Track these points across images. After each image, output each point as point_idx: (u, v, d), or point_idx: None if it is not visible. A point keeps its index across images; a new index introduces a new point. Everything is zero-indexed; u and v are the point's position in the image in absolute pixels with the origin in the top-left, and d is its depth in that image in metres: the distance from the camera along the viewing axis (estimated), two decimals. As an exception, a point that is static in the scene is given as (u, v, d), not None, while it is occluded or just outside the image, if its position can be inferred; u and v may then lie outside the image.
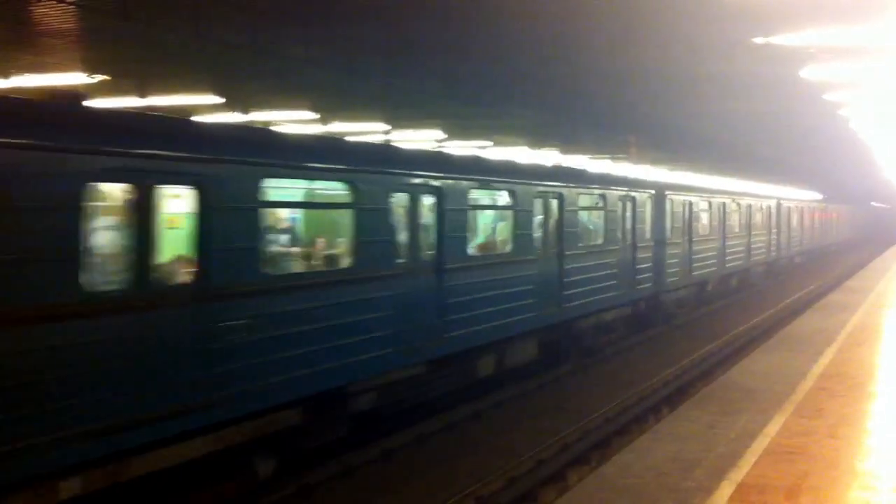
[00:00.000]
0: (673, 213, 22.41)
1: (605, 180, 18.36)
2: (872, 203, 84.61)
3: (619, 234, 18.16)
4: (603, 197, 17.31)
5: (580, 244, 16.18)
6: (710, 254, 25.90)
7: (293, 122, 20.92)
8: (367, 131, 23.35)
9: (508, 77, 16.90)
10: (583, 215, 16.79)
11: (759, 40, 11.61)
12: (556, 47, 14.24)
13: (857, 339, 15.58)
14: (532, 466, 11.00)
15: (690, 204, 24.01)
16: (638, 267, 19.22)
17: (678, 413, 11.04)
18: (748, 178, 44.10)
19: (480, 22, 12.88)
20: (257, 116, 19.98)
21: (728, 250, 28.01)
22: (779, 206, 37.02)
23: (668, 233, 21.82)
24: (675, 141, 28.63)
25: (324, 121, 21.45)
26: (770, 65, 13.92)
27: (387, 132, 23.86)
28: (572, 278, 15.71)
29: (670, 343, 20.56)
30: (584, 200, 16.48)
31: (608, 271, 17.34)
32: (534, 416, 13.56)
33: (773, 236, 35.76)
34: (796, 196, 47.30)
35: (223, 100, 17.41)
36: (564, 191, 15.47)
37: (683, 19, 11.87)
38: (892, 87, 15.00)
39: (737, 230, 29.43)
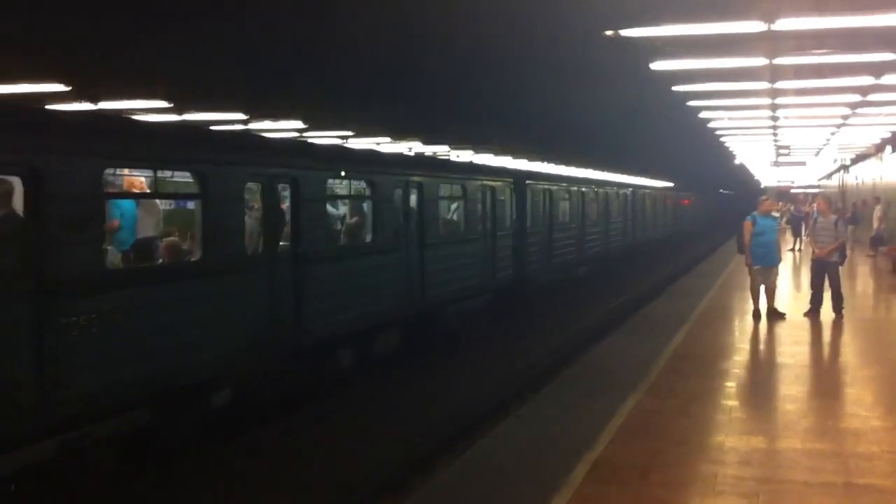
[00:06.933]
0: None
1: None
2: (721, 190, 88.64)
3: None
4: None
5: None
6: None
7: (146, 111, 20.16)
8: (225, 120, 22.78)
9: (370, 68, 16.76)
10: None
11: (609, 33, 11.90)
12: (420, 37, 14.18)
13: (706, 320, 16.30)
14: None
15: None
16: None
17: (540, 396, 11.31)
18: (609, 170, 44.50)
19: (339, 10, 12.66)
20: (108, 106, 19.15)
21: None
22: (519, 187, 22.07)
23: None
24: (535, 131, 28.86)
25: (178, 110, 20.78)
26: (622, 56, 14.29)
27: (245, 122, 23.34)
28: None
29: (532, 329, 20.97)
30: None
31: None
32: (401, 405, 13.59)
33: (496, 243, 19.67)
34: (574, 174, 33.80)
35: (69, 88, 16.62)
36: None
37: (535, 9, 11.95)
38: (737, 78, 15.72)
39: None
